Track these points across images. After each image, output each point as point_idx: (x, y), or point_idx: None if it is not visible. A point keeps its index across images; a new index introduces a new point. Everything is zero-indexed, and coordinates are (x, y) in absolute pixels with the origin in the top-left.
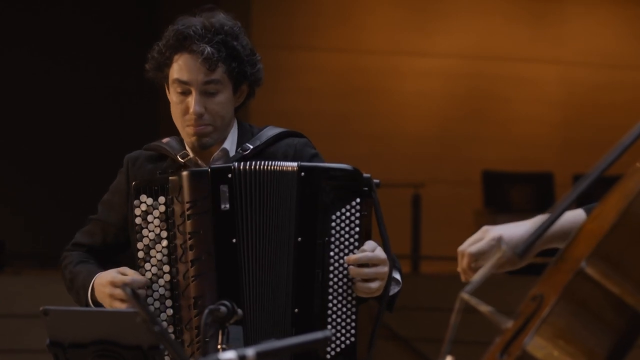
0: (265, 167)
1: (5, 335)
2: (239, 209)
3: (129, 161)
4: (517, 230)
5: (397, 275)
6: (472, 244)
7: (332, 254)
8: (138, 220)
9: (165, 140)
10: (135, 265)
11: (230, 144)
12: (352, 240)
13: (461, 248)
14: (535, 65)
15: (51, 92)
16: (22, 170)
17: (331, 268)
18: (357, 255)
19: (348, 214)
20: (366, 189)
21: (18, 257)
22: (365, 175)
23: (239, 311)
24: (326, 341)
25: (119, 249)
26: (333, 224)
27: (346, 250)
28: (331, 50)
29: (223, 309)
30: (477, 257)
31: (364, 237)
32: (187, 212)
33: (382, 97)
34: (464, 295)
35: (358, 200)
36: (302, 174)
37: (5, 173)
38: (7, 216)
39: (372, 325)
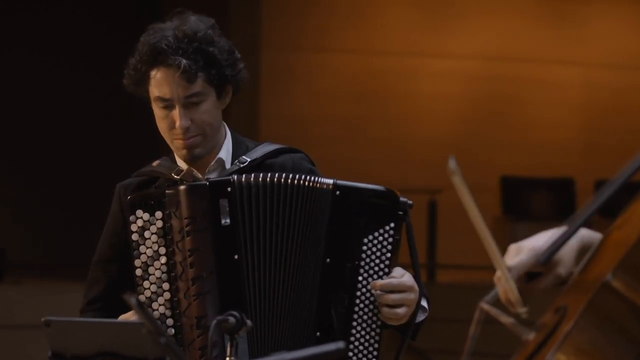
0: (293, 181)
1: (5, 347)
2: (240, 223)
3: (120, 189)
4: (547, 238)
5: (424, 303)
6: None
7: (360, 278)
8: (135, 237)
9: (155, 163)
10: (134, 283)
11: (225, 153)
12: (382, 265)
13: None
14: (556, 66)
15: (51, 94)
16: (23, 175)
17: (358, 293)
18: (384, 281)
19: (381, 238)
20: (401, 213)
21: (18, 265)
22: (402, 199)
23: (248, 322)
24: (339, 353)
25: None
26: (364, 247)
27: (375, 276)
28: (344, 52)
29: (232, 319)
30: (519, 272)
31: (394, 262)
32: (186, 229)
33: (397, 100)
34: (484, 306)
35: (392, 224)
36: (338, 192)
37: (5, 178)
38: (7, 223)
39: (395, 347)
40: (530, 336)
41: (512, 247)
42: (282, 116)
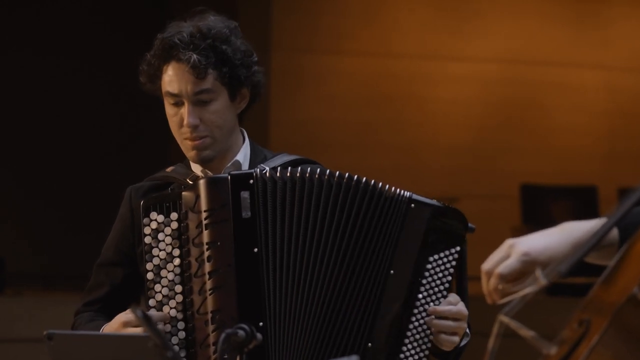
0: (365, 185)
1: None
2: (262, 216)
3: (132, 191)
4: (545, 242)
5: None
6: (499, 262)
7: (420, 296)
8: (147, 240)
9: (169, 168)
10: (144, 287)
11: (242, 157)
12: (442, 287)
13: (487, 267)
14: (577, 70)
15: (55, 99)
16: (24, 182)
17: (415, 311)
18: (444, 307)
19: (445, 259)
20: (465, 239)
21: (19, 277)
22: (470, 225)
23: (259, 335)
24: None
25: (134, 286)
26: (429, 265)
27: (434, 297)
28: (357, 54)
29: (241, 333)
30: (507, 277)
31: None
32: (205, 222)
33: (412, 104)
34: (504, 318)
35: (458, 248)
36: (413, 205)
37: (5, 185)
38: (7, 232)
39: None
40: (552, 350)
41: (507, 243)
42: (292, 121)
